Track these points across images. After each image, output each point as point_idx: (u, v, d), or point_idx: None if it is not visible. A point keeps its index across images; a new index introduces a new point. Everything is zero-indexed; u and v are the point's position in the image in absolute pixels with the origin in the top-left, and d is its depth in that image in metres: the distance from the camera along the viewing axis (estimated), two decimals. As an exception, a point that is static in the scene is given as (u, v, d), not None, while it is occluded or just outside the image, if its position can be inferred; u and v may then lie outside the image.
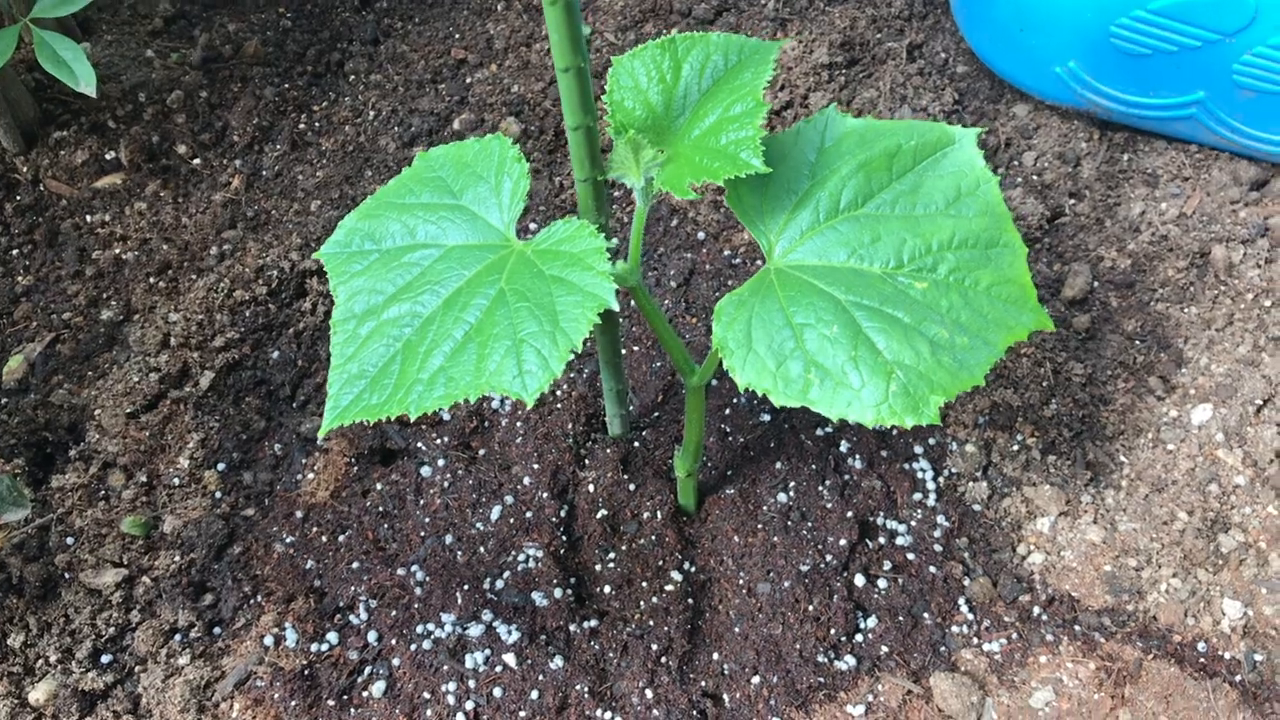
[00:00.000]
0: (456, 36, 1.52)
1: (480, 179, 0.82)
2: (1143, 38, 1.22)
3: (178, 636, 1.07)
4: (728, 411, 1.21)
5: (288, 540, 1.14)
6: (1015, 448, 1.16)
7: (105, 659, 1.05)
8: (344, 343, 0.79)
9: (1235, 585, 1.06)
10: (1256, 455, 1.12)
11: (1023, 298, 0.84)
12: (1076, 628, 1.05)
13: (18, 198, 1.35)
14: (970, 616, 1.07)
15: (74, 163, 1.37)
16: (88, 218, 1.34)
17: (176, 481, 1.15)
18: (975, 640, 1.06)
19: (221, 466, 1.17)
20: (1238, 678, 1.00)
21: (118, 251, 1.30)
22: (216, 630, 1.08)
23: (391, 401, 0.75)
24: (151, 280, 1.28)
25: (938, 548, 1.12)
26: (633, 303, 1.21)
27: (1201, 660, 1.02)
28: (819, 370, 0.77)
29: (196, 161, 1.39)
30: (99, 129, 1.39)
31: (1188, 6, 1.18)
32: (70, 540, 1.10)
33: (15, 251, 1.31)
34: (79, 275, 1.29)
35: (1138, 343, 1.22)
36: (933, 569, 1.11)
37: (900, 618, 1.08)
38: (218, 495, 1.15)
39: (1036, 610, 1.07)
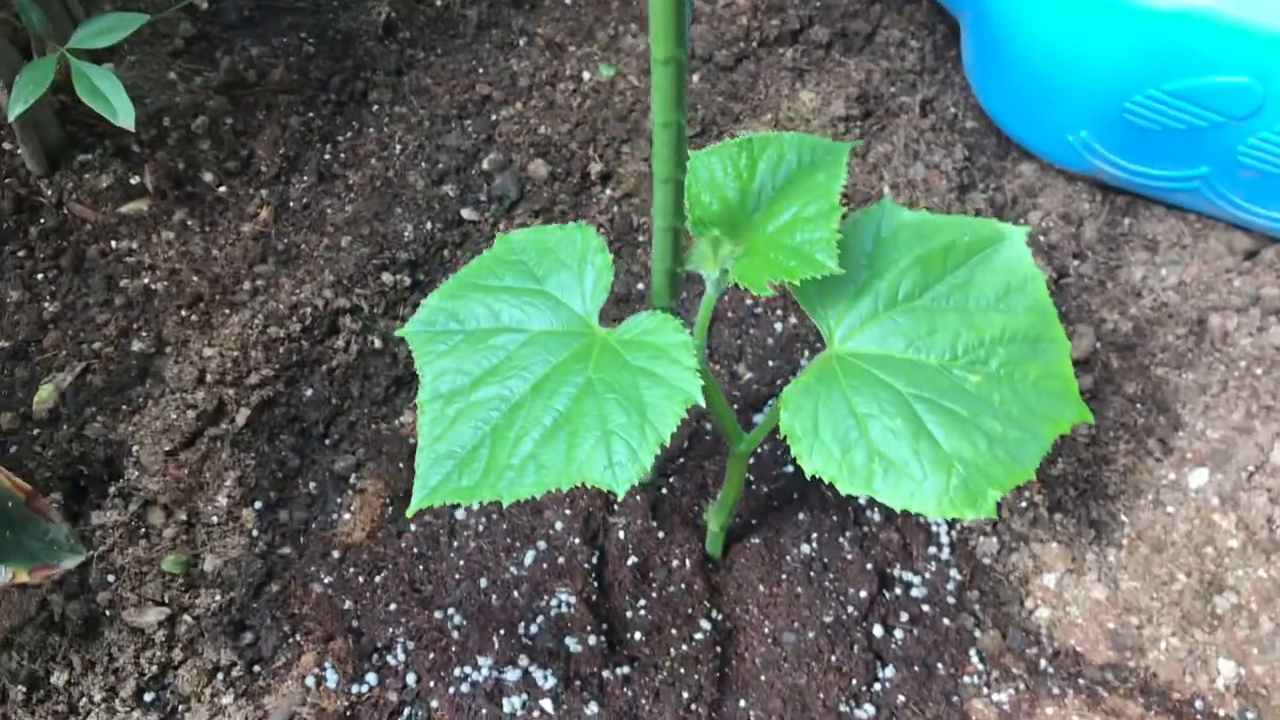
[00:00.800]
0: (480, 71, 1.54)
1: (564, 266, 0.86)
2: (1155, 115, 1.28)
3: (220, 675, 1.09)
4: (752, 462, 1.25)
5: (325, 580, 1.16)
6: (1024, 504, 1.22)
7: (149, 697, 1.07)
8: (432, 422, 0.82)
9: (1229, 645, 1.13)
10: (1249, 520, 1.19)
11: (1066, 392, 0.89)
12: (1081, 681, 1.12)
13: (42, 220, 1.35)
14: (981, 667, 1.13)
15: (99, 186, 1.37)
16: (114, 244, 1.34)
17: (215, 520, 1.17)
18: (986, 690, 1.12)
19: (258, 505, 1.19)
20: (1234, 736, 1.07)
21: (146, 281, 1.31)
22: (257, 669, 1.10)
23: (483, 485, 0.78)
24: (183, 313, 1.29)
25: (950, 600, 1.18)
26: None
27: (1199, 717, 1.09)
28: (883, 460, 0.82)
29: (223, 190, 1.40)
30: (123, 153, 1.39)
31: (1200, 90, 1.24)
32: (111, 578, 1.12)
33: (41, 276, 1.32)
34: (108, 304, 1.29)
35: (1138, 405, 1.29)
36: (946, 621, 1.17)
37: (916, 668, 1.13)
38: (255, 534, 1.17)
39: (1043, 663, 1.13)
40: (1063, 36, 1.31)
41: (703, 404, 0.78)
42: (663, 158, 0.70)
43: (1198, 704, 1.09)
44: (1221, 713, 1.09)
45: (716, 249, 0.84)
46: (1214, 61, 1.22)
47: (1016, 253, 0.92)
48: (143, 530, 1.15)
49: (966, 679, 1.13)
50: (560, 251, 0.86)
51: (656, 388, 0.79)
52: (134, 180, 1.38)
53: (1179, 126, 1.28)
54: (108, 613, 1.11)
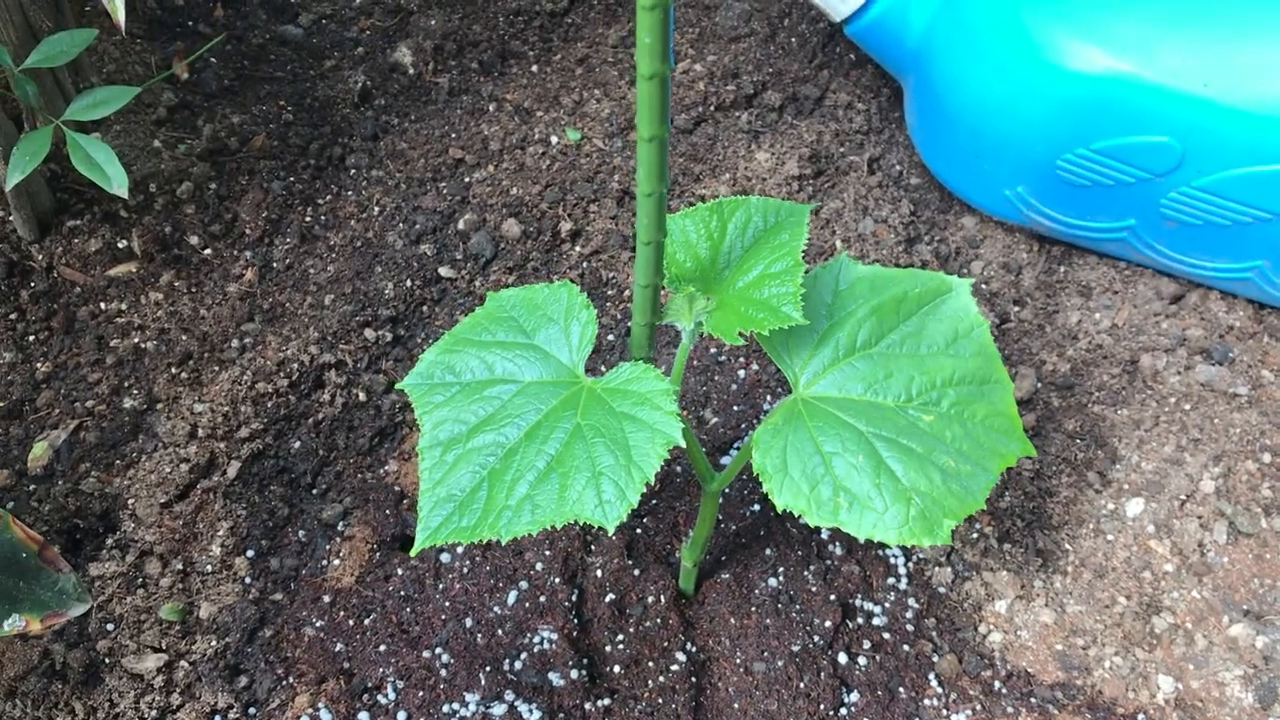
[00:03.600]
0: (452, 135, 1.61)
1: (551, 321, 0.93)
2: (1084, 171, 1.39)
3: (218, 718, 1.14)
4: (721, 501, 1.32)
5: (316, 624, 1.21)
6: (975, 536, 1.30)
7: (149, 741, 1.11)
8: (432, 468, 0.88)
9: (1168, 662, 1.22)
10: (1182, 545, 1.28)
11: (1011, 429, 0.98)
12: (1033, 700, 1.19)
13: (33, 284, 1.40)
14: (939, 690, 1.21)
15: (87, 251, 1.42)
16: (104, 305, 1.39)
17: (209, 568, 1.22)
18: (945, 712, 1.19)
19: (251, 553, 1.24)
20: (1174, 746, 1.15)
21: (136, 340, 1.37)
22: (252, 711, 1.15)
23: (482, 525, 0.85)
24: (173, 370, 1.34)
25: (909, 627, 1.25)
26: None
27: (1142, 730, 1.17)
28: (847, 494, 0.90)
29: (208, 252, 1.46)
30: (111, 218, 1.45)
31: (1124, 149, 1.35)
32: (110, 627, 1.16)
33: (32, 338, 1.36)
34: (99, 363, 1.34)
35: (1078, 441, 1.38)
36: (906, 647, 1.24)
37: (879, 692, 1.20)
38: (248, 581, 1.22)
39: (997, 685, 1.21)
40: (999, 99, 1.42)
41: (684, 445, 0.85)
42: (646, 222, 0.78)
43: (1140, 717, 1.17)
44: (1163, 725, 1.17)
45: (691, 303, 0.91)
46: (1137, 122, 1.33)
47: (963, 302, 1.01)
48: (140, 580, 1.20)
49: (927, 701, 1.20)
50: (548, 308, 0.94)
51: (640, 431, 0.86)
52: (122, 244, 1.44)
53: (1107, 182, 1.39)
54: (108, 660, 1.15)
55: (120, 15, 1.14)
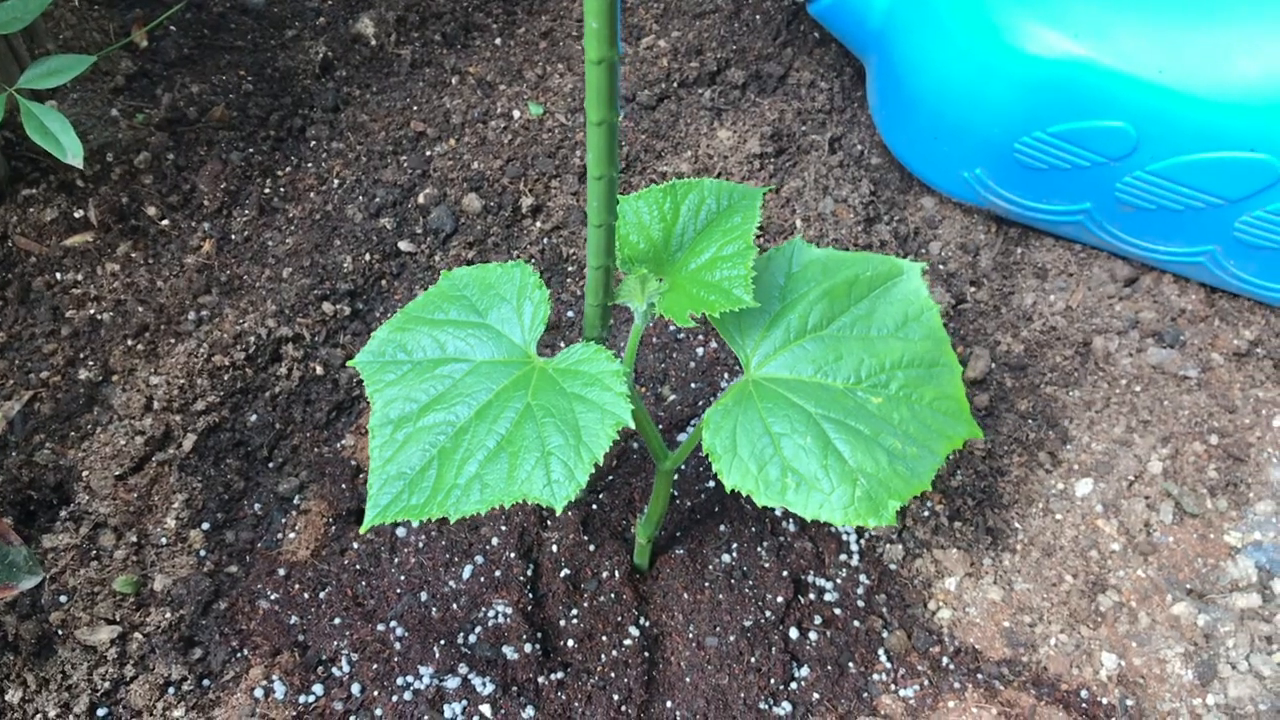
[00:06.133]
0: (414, 109, 1.61)
1: (504, 300, 0.93)
2: (1041, 155, 1.40)
3: (171, 690, 1.14)
4: (676, 478, 1.34)
5: (271, 596, 1.22)
6: (926, 514, 1.32)
7: (102, 712, 1.12)
8: (382, 446, 0.89)
9: (1111, 640, 1.24)
10: (1129, 525, 1.31)
11: (958, 411, 0.99)
12: (979, 676, 1.22)
13: (-14, 253, 1.39)
14: (889, 665, 1.23)
15: (43, 220, 1.41)
16: (59, 276, 1.38)
17: (164, 541, 1.22)
18: (893, 687, 1.21)
19: (206, 526, 1.24)
20: (1114, 721, 1.18)
21: (92, 312, 1.36)
22: (206, 683, 1.16)
23: (431, 504, 0.86)
24: (129, 342, 1.34)
25: (860, 603, 1.27)
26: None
27: (1084, 706, 1.19)
28: (795, 475, 0.91)
29: (165, 223, 1.45)
30: (67, 188, 1.44)
31: (1080, 133, 1.36)
32: (64, 599, 1.16)
33: (-14, 307, 1.36)
34: (54, 334, 1.34)
35: (1030, 421, 1.40)
36: (856, 623, 1.26)
37: (829, 667, 1.22)
38: (203, 554, 1.23)
39: (945, 660, 1.23)
40: (958, 82, 1.42)
41: (633, 427, 0.86)
42: (596, 205, 0.78)
43: (1083, 693, 1.20)
44: (1104, 701, 1.20)
45: (644, 285, 0.92)
46: (1093, 106, 1.34)
47: (914, 286, 1.02)
48: (94, 552, 1.20)
49: (876, 676, 1.22)
50: (500, 287, 0.94)
51: (590, 412, 0.87)
52: (78, 214, 1.42)
53: (1064, 166, 1.40)
54: (60, 632, 1.15)
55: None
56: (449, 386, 0.90)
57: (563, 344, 1.43)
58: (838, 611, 1.26)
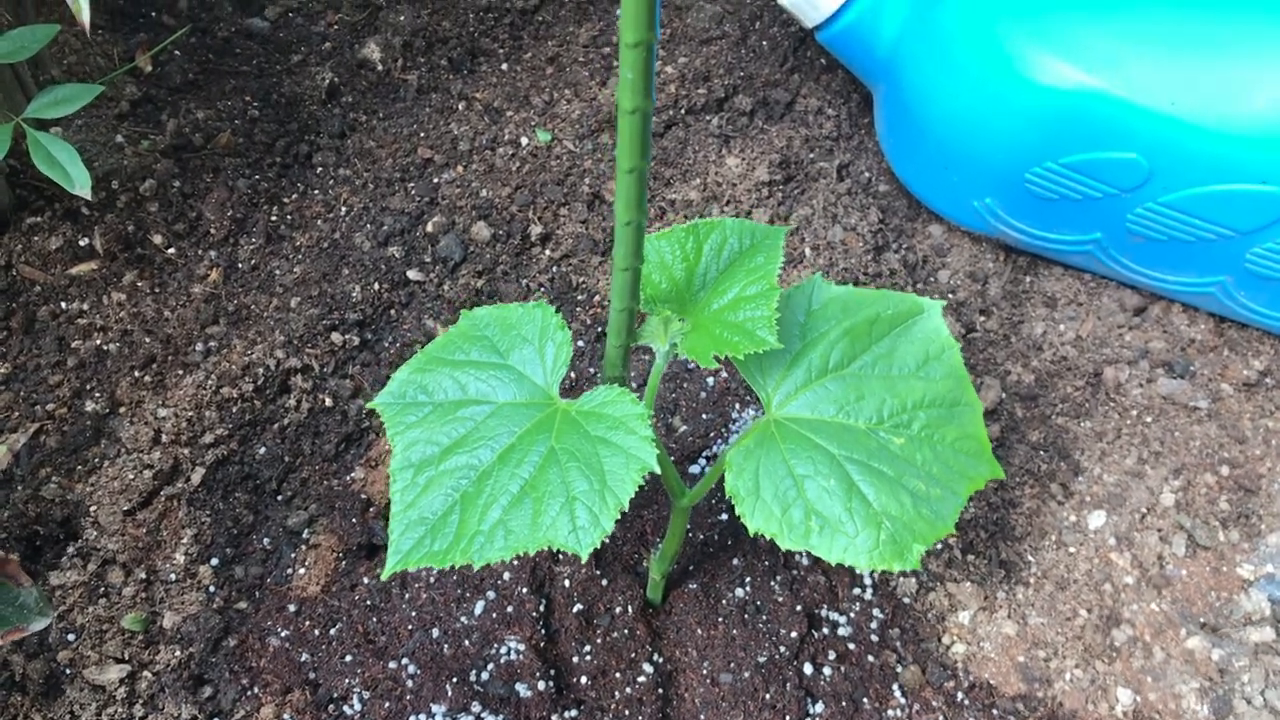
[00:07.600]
0: (421, 135, 1.60)
1: (526, 341, 0.92)
2: (1053, 185, 1.40)
3: (181, 730, 1.13)
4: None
5: (282, 633, 1.20)
6: (939, 547, 1.32)
7: (111, 753, 1.10)
8: (403, 490, 0.88)
9: (1126, 674, 1.24)
10: (1142, 558, 1.30)
11: (980, 451, 0.98)
12: (995, 712, 1.21)
13: (-10, 283, 1.37)
14: (903, 701, 1.22)
15: (48, 249, 1.40)
16: (64, 305, 1.37)
17: (173, 577, 1.21)
18: (908, 723, 1.21)
19: (215, 562, 1.23)
20: (1132, 759, 1.17)
21: (98, 342, 1.34)
22: (217, 722, 1.14)
23: (454, 550, 0.84)
24: (136, 374, 1.32)
25: (874, 638, 1.26)
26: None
27: (1101, 742, 1.19)
28: (819, 518, 0.90)
29: (171, 251, 1.43)
30: (72, 215, 1.42)
31: (1092, 165, 1.36)
32: (71, 637, 1.15)
33: (-10, 337, 1.34)
34: (60, 365, 1.32)
35: (1041, 452, 1.39)
36: (870, 658, 1.25)
37: (843, 703, 1.21)
38: (212, 590, 1.21)
39: (960, 696, 1.23)
40: (968, 112, 1.42)
41: (658, 471, 0.85)
42: (624, 250, 0.78)
43: (1099, 730, 1.20)
44: (1120, 737, 1.19)
45: (666, 325, 0.91)
46: (1106, 138, 1.34)
47: (934, 324, 1.01)
48: (102, 589, 1.18)
49: (890, 712, 1.21)
50: (522, 328, 0.93)
51: (615, 456, 0.86)
52: (83, 242, 1.41)
53: (1075, 196, 1.40)
54: (69, 671, 1.13)
55: (85, 16, 1.12)
56: (471, 429, 0.89)
57: (572, 374, 1.42)
58: (851, 646, 1.26)
